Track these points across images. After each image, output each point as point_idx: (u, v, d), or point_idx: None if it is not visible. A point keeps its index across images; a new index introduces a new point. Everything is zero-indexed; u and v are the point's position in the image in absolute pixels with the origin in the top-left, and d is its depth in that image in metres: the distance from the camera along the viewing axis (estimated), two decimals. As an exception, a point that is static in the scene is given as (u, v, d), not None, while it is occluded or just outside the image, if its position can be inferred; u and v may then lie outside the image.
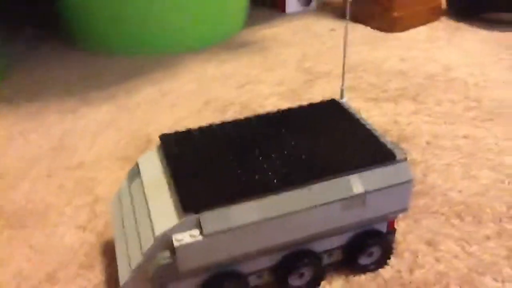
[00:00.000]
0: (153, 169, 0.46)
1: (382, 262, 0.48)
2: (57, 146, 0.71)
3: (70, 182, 0.63)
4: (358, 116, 0.49)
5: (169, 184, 0.43)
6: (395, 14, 1.03)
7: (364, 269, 0.48)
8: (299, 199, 0.41)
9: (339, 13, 1.16)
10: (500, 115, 0.73)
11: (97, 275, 0.49)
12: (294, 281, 0.46)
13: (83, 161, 0.67)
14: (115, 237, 0.46)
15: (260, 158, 0.44)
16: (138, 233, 0.42)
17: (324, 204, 0.42)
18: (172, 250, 0.39)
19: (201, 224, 0.39)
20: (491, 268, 0.48)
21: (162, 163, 0.46)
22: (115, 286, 0.48)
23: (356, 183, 0.43)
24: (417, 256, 0.50)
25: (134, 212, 0.44)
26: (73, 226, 0.56)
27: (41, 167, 0.66)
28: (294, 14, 1.18)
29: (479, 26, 1.05)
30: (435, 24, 1.08)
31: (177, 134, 0.48)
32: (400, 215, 0.54)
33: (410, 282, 0.47)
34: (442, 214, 0.55)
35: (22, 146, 0.71)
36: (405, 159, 0.44)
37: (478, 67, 0.88)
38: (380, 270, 0.48)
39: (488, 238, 0.52)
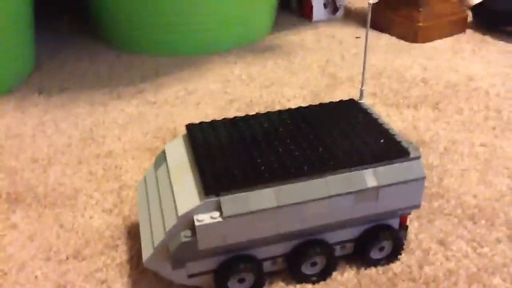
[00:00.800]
0: (179, 155, 0.49)
1: (393, 257, 0.50)
2: (87, 136, 0.74)
3: (99, 169, 0.67)
4: (375, 115, 0.51)
5: (193, 169, 0.46)
6: (420, 24, 1.05)
7: (375, 263, 0.50)
8: (314, 189, 0.43)
9: (365, 21, 1.18)
10: (520, 126, 0.74)
11: (121, 255, 0.52)
12: (306, 269, 0.47)
13: (111, 150, 0.71)
14: (140, 218, 0.49)
15: (280, 148, 0.46)
16: (162, 213, 0.45)
17: (338, 195, 0.44)
18: (193, 229, 0.42)
19: (221, 206, 0.42)
20: (501, 269, 0.49)
21: (187, 150, 0.49)
22: (137, 265, 0.51)
23: (370, 177, 0.44)
24: (428, 254, 0.51)
25: (159, 194, 0.47)
26: (100, 210, 0.59)
27: (71, 154, 0.70)
28: (320, 22, 1.21)
29: (504, 39, 1.05)
30: (460, 36, 1.09)
31: (202, 124, 0.51)
32: (414, 214, 0.56)
33: (420, 277, 0.48)
34: (456, 216, 0.56)
35: (54, 134, 0.75)
36: (419, 157, 0.46)
37: (501, 78, 0.88)
38: (391, 264, 0.50)
39: (499, 241, 0.53)
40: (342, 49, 1.04)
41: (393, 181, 0.45)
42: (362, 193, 0.44)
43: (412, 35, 1.06)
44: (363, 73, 0.53)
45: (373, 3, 0.52)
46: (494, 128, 0.73)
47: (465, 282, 0.48)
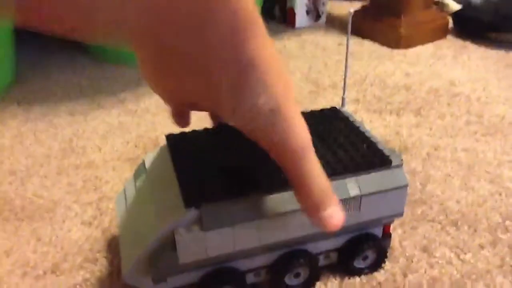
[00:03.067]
0: (159, 166, 0.47)
1: (376, 266, 0.50)
2: (67, 147, 0.73)
3: (78, 180, 0.65)
4: (357, 123, 0.51)
5: (173, 181, 0.44)
6: (402, 31, 1.06)
7: (359, 272, 0.49)
8: (295, 199, 0.42)
9: (346, 29, 1.18)
10: (500, 131, 0.74)
11: (100, 269, 0.51)
12: (290, 280, 0.47)
13: (91, 161, 0.69)
14: (119, 231, 0.48)
15: (262, 159, 0.44)
16: (142, 227, 0.44)
17: None
18: (174, 243, 0.41)
19: (202, 219, 0.40)
20: (484, 276, 0.49)
21: (167, 161, 0.47)
22: (117, 279, 0.50)
23: (353, 186, 0.44)
24: (412, 261, 0.51)
25: (138, 207, 0.46)
26: (79, 222, 0.58)
27: (50, 165, 0.68)
28: (303, 29, 1.21)
29: (485, 45, 1.06)
30: (441, 42, 1.10)
31: (182, 134, 0.50)
32: (397, 222, 0.56)
33: (404, 286, 0.48)
34: (439, 222, 0.56)
35: (32, 146, 0.73)
36: (401, 165, 0.45)
37: (482, 83, 0.89)
38: (374, 273, 0.49)
39: (482, 247, 0.53)
40: (325, 56, 1.04)
41: (375, 189, 0.44)
42: (345, 202, 0.43)
43: (394, 42, 1.07)
44: (344, 81, 0.53)
45: (354, 11, 0.52)
46: (475, 133, 0.74)
47: (449, 289, 0.47)
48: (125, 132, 0.77)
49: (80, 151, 0.72)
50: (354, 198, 0.44)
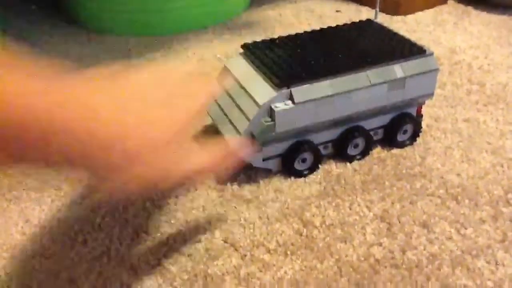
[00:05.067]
0: (242, 67, 0.59)
1: (414, 138, 0.62)
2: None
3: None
4: (392, 29, 0.64)
5: (260, 73, 0.56)
6: (401, -4, 1.01)
7: (401, 145, 0.62)
8: (358, 80, 0.55)
9: (345, -5, 1.14)
10: (503, 99, 0.72)
11: (90, 250, 0.50)
12: (351, 151, 0.59)
13: (81, 138, 0.67)
14: (217, 124, 0.58)
15: (327, 54, 0.58)
16: (241, 110, 0.55)
17: (376, 84, 0.56)
18: (272, 115, 0.53)
19: (293, 95, 0.52)
20: (485, 251, 0.48)
21: (248, 62, 0.59)
22: (107, 261, 0.48)
23: (399, 69, 0.56)
24: (411, 238, 0.49)
25: (232, 99, 0.57)
26: (69, 202, 0.56)
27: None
28: (299, -4, 1.17)
29: (486, 10, 1.03)
30: (442, 7, 1.06)
31: (255, 43, 0.62)
32: (396, 196, 0.54)
33: (402, 263, 0.47)
34: (439, 196, 0.54)
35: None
36: (432, 53, 0.58)
37: (483, 50, 0.86)
38: (372, 250, 0.48)
39: (483, 221, 0.51)
40: (321, 23, 1.00)
41: (415, 72, 0.57)
42: (393, 82, 0.56)
43: (393, 8, 1.03)
44: None
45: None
46: (477, 103, 0.71)
47: (448, 266, 0.46)
48: (115, 107, 0.74)
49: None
50: (400, 79, 0.56)
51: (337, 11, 1.06)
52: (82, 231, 0.52)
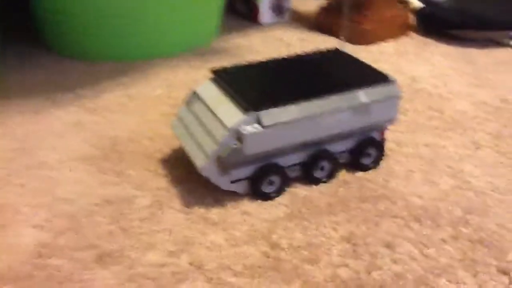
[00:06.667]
0: (211, 91, 0.60)
1: (377, 162, 0.64)
2: (19, 147, 0.69)
3: (30, 181, 0.62)
4: (356, 57, 0.67)
5: (229, 97, 0.57)
6: (365, 27, 1.06)
7: (365, 168, 0.64)
8: (325, 105, 0.57)
9: (310, 25, 1.18)
10: (461, 126, 0.75)
11: (50, 278, 0.48)
12: (317, 173, 0.61)
13: (45, 161, 0.66)
14: (183, 144, 0.60)
15: (295, 79, 0.60)
16: (209, 133, 0.56)
17: (342, 109, 0.58)
18: (240, 138, 0.54)
19: (261, 119, 0.54)
20: (447, 270, 0.49)
21: (218, 88, 0.60)
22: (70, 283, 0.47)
23: (363, 95, 0.59)
24: (376, 258, 0.50)
25: (200, 122, 0.59)
26: (30, 226, 0.54)
27: (0, 166, 0.65)
28: (268, 25, 1.20)
29: (446, 42, 1.08)
30: (404, 39, 1.11)
31: (225, 68, 0.63)
32: (360, 218, 0.55)
33: (368, 283, 0.47)
34: (402, 218, 0.56)
35: (-17, 146, 0.69)
36: (395, 81, 0.61)
37: (443, 80, 0.90)
38: (338, 270, 0.49)
39: (444, 241, 0.52)
40: (289, 51, 1.03)
41: (379, 98, 0.60)
42: (358, 107, 0.59)
43: (358, 38, 1.07)
44: (344, 21, 0.69)
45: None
46: (437, 128, 0.74)
47: (412, 285, 0.47)
48: (82, 131, 0.73)
49: (33, 150, 0.68)
50: (364, 104, 0.59)
51: (303, 40, 1.09)
52: (42, 256, 0.50)
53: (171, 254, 0.51)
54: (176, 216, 0.56)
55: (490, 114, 0.78)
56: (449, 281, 0.48)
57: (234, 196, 0.59)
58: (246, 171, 0.57)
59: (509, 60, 0.99)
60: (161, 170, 0.64)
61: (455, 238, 0.53)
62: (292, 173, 0.60)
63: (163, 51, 1.00)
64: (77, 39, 0.98)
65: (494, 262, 0.49)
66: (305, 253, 0.51)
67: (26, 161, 0.66)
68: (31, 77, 0.90)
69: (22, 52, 1.01)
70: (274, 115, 0.55)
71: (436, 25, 1.11)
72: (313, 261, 0.50)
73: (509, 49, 1.04)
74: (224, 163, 0.55)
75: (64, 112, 0.78)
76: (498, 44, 1.07)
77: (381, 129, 0.64)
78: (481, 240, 0.52)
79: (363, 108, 0.59)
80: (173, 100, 0.82)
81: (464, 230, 0.54)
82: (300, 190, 0.60)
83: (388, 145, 0.69)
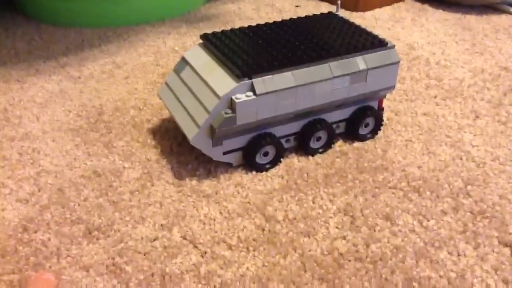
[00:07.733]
0: (201, 57, 0.57)
1: (375, 132, 0.62)
2: (1, 117, 0.66)
3: (14, 153, 0.59)
4: (352, 22, 0.63)
5: (220, 63, 0.54)
6: (360, -8, 1.02)
7: (363, 138, 0.61)
8: (321, 72, 0.54)
9: (305, -9, 1.13)
10: (460, 94, 0.73)
11: (36, 253, 0.46)
12: (313, 144, 0.58)
13: (29, 132, 0.63)
14: (172, 113, 0.56)
15: (290, 44, 0.56)
16: (200, 101, 0.53)
17: (338, 76, 0.55)
18: (232, 107, 0.51)
19: (254, 87, 0.51)
20: (447, 242, 0.47)
21: (208, 54, 0.57)
22: (57, 261, 0.45)
23: (361, 62, 0.56)
24: (374, 230, 0.49)
25: (189, 89, 0.55)
26: (14, 199, 0.52)
27: (-19, 137, 0.62)
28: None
29: (442, 8, 1.05)
30: (399, 4, 1.08)
31: (215, 33, 0.59)
32: (358, 189, 0.53)
33: (367, 256, 0.46)
34: (401, 189, 0.54)
35: (-38, 116, 0.66)
36: (394, 46, 0.58)
37: (440, 47, 0.88)
38: (336, 243, 0.47)
39: (445, 213, 0.51)
40: (281, 18, 0.99)
41: (377, 64, 0.57)
42: (356, 74, 0.56)
43: (352, 4, 1.03)
44: None
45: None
46: (435, 97, 0.72)
47: (412, 258, 0.46)
48: (67, 100, 0.70)
49: (15, 121, 0.65)
50: (362, 71, 0.56)
51: (296, 6, 1.06)
52: (28, 230, 0.48)
53: (163, 227, 0.49)
54: (167, 189, 0.54)
55: (489, 82, 0.76)
56: (450, 253, 0.46)
57: (227, 167, 0.57)
58: (239, 141, 0.55)
59: (508, 27, 0.96)
60: (150, 141, 0.61)
61: (455, 209, 0.51)
62: (288, 144, 0.58)
63: (150, 16, 0.96)
64: (58, 4, 0.93)
65: (496, 234, 0.48)
66: (301, 225, 0.49)
67: (9, 132, 0.63)
68: (11, 46, 0.86)
69: (1, 21, 0.96)
70: (268, 82, 0.51)
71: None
72: (310, 234, 0.48)
73: (507, 15, 1.02)
74: (216, 133, 0.51)
75: (48, 81, 0.75)
76: (496, 10, 1.04)
77: (379, 98, 0.61)
78: (482, 212, 0.51)
79: (360, 75, 0.56)
80: (161, 68, 0.79)
81: (464, 201, 0.52)
82: (295, 161, 0.58)
83: (386, 114, 0.67)
